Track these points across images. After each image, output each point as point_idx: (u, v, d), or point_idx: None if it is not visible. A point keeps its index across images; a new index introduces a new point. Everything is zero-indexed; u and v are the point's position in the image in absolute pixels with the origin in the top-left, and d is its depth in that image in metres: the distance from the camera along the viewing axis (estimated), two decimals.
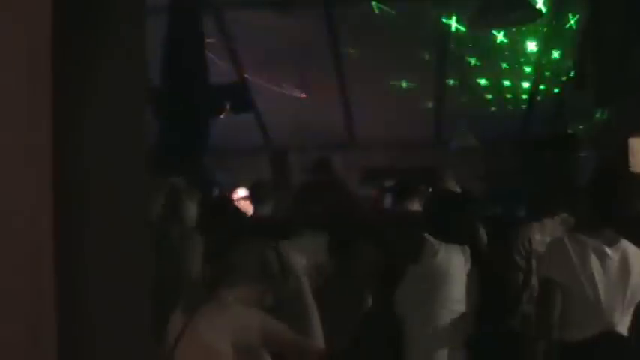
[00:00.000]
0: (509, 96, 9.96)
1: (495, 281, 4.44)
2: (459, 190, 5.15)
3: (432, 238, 3.96)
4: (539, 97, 10.09)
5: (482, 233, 4.86)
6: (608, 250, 3.30)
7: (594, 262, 3.26)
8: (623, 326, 3.31)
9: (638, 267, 3.35)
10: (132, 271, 1.75)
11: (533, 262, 4.88)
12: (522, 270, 4.84)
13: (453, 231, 4.07)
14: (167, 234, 4.25)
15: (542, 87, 9.94)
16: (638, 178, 7.00)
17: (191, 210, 4.43)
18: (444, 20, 9.05)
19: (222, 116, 7.09)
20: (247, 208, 6.52)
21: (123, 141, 1.74)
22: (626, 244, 3.37)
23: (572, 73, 9.10)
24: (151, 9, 6.83)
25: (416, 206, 5.34)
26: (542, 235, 5.04)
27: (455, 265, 3.96)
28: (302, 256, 3.05)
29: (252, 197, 6.49)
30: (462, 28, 8.93)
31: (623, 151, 8.17)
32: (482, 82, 9.80)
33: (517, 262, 4.82)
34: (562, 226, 5.21)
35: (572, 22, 8.83)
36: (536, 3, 8.02)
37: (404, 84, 9.99)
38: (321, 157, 7.45)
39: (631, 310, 3.34)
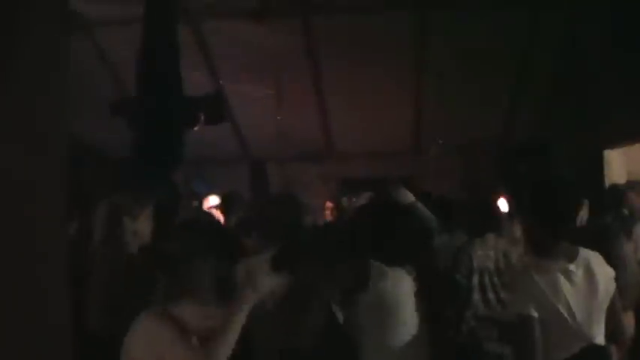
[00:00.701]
0: (486, 106, 9.98)
1: (440, 300, 4.38)
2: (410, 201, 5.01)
3: (377, 264, 3.86)
4: (517, 108, 10.13)
5: (429, 250, 4.81)
6: (572, 267, 3.28)
7: (564, 284, 3.24)
8: (600, 336, 3.30)
9: (601, 273, 3.34)
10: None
11: (475, 278, 4.88)
12: (463, 287, 4.83)
13: (397, 251, 3.96)
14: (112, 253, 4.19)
15: (521, 97, 9.96)
16: (610, 188, 7.08)
17: (132, 227, 4.29)
18: (420, 31, 9.06)
19: (196, 128, 7.04)
20: (218, 216, 6.52)
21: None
22: (585, 254, 3.35)
23: (551, 84, 9.16)
24: (127, 19, 6.81)
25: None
26: (485, 249, 5.04)
27: (404, 288, 3.88)
28: (260, 267, 3.02)
29: (223, 208, 6.47)
30: (439, 39, 8.93)
31: (599, 163, 8.26)
32: (460, 92, 9.80)
33: (457, 280, 4.80)
34: (505, 239, 5.22)
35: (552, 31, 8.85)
36: None
37: (381, 93, 9.97)
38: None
39: (603, 316, 3.33)
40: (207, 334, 2.81)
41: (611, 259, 3.53)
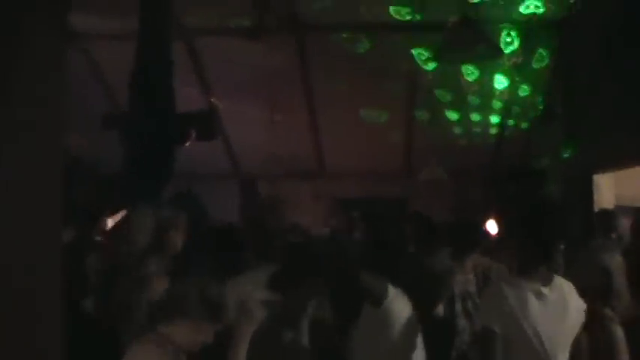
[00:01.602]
0: (477, 130, 10.03)
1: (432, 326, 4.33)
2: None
3: (389, 284, 3.75)
4: (507, 132, 10.18)
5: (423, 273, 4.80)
6: (545, 290, 3.28)
7: (533, 305, 3.23)
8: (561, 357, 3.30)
9: (573, 301, 3.35)
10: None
11: (458, 305, 4.88)
12: (449, 315, 4.84)
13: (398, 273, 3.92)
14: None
15: (510, 122, 10.01)
16: (600, 213, 7.11)
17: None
18: (413, 53, 9.10)
19: (187, 144, 7.04)
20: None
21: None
22: (560, 281, 3.36)
23: (540, 109, 9.21)
24: (121, 34, 6.81)
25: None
26: (464, 273, 5.05)
27: (406, 311, 3.78)
28: (252, 291, 3.02)
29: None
30: (432, 64, 8.97)
31: (588, 187, 8.27)
32: (452, 115, 9.85)
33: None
34: (488, 259, 5.23)
35: (541, 59, 8.93)
36: (498, 41, 8.10)
37: (374, 114, 10.01)
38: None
39: (568, 345, 3.33)
40: (197, 349, 2.87)
41: (600, 272, 3.56)
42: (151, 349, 2.81)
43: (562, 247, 3.69)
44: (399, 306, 3.73)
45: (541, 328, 3.21)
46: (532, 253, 3.34)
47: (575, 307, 3.34)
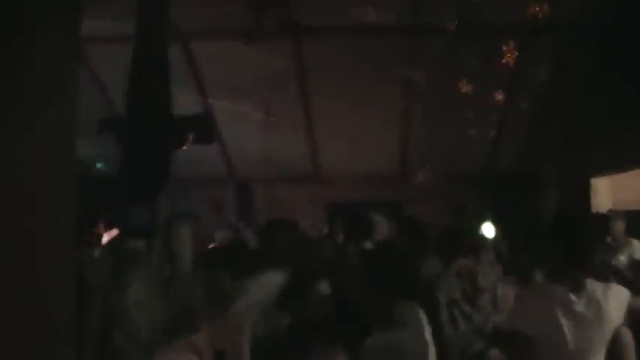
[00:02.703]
0: (474, 132, 10.01)
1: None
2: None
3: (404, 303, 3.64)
4: (504, 135, 10.17)
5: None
6: (574, 297, 3.27)
7: (560, 310, 3.23)
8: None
9: (610, 303, 3.33)
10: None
11: (444, 314, 4.87)
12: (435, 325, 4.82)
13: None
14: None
15: (508, 122, 10.00)
16: (596, 219, 7.12)
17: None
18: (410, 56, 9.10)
19: (184, 147, 7.00)
20: None
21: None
22: (593, 286, 3.34)
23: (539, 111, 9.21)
24: (117, 39, 6.77)
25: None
26: (449, 280, 5.03)
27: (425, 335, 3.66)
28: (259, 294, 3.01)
29: None
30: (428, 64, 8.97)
31: (585, 191, 8.28)
32: (448, 117, 9.83)
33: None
34: (474, 263, 5.21)
35: (539, 64, 8.92)
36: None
37: (370, 118, 9.99)
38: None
39: (604, 347, 3.32)
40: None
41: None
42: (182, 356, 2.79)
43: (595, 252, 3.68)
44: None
45: (567, 332, 3.20)
46: (563, 259, 3.34)
47: (613, 305, 3.33)
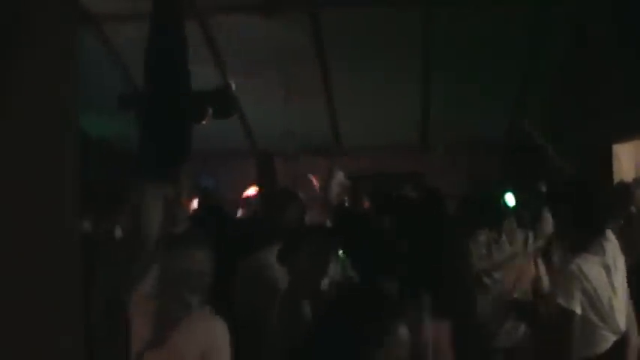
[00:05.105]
0: (492, 100, 9.93)
1: None
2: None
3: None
4: (524, 101, 10.08)
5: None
6: (609, 261, 3.31)
7: (603, 278, 3.26)
8: (624, 324, 3.33)
9: (620, 263, 3.38)
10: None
11: None
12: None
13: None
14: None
15: (528, 91, 9.90)
16: (617, 186, 7.06)
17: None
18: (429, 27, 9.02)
19: (204, 122, 7.03)
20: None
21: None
22: (608, 246, 3.38)
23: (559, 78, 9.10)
24: (135, 14, 6.81)
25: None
26: (477, 249, 5.03)
27: None
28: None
29: None
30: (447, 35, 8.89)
31: (608, 158, 8.21)
32: (467, 89, 9.75)
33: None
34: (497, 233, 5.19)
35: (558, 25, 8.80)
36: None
37: (389, 89, 9.95)
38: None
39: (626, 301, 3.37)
40: None
41: None
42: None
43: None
44: None
45: (612, 298, 3.23)
46: (588, 228, 3.36)
47: (622, 262, 3.38)
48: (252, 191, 7.99)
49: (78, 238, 1.95)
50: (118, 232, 5.58)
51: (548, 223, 5.21)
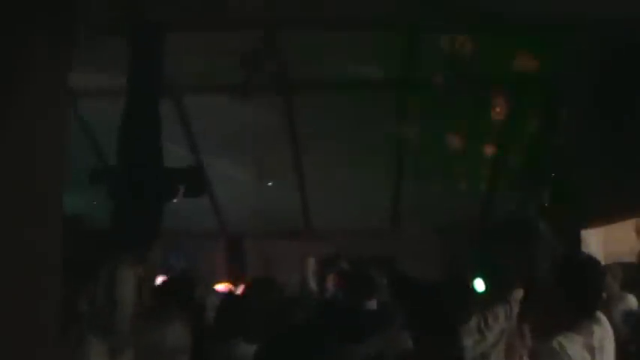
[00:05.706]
0: (465, 184, 10.03)
1: None
2: None
3: None
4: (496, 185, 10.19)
5: None
6: (595, 343, 3.28)
7: (585, 358, 3.23)
8: None
9: (609, 345, 3.36)
10: None
11: None
12: None
13: None
14: None
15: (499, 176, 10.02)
16: (603, 268, 7.08)
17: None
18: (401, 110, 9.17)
19: (175, 200, 6.99)
20: None
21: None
22: (596, 328, 3.36)
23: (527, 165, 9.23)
24: (109, 91, 6.81)
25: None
26: None
27: None
28: None
29: None
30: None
31: (577, 242, 8.26)
32: (438, 171, 9.86)
33: None
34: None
35: (529, 115, 8.99)
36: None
37: (361, 171, 10.01)
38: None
39: None
40: None
41: None
42: None
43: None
44: None
45: None
46: (577, 307, 3.34)
47: (610, 344, 3.35)
48: (221, 287, 7.87)
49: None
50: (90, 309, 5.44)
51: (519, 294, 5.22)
